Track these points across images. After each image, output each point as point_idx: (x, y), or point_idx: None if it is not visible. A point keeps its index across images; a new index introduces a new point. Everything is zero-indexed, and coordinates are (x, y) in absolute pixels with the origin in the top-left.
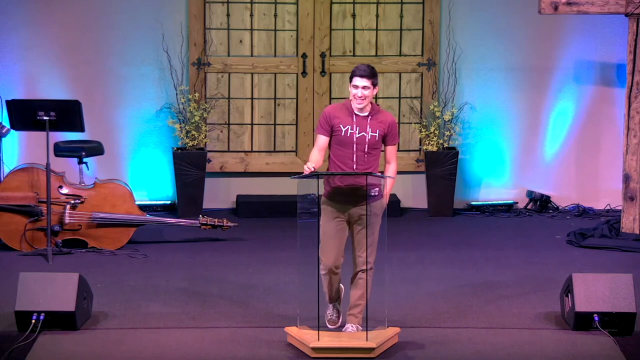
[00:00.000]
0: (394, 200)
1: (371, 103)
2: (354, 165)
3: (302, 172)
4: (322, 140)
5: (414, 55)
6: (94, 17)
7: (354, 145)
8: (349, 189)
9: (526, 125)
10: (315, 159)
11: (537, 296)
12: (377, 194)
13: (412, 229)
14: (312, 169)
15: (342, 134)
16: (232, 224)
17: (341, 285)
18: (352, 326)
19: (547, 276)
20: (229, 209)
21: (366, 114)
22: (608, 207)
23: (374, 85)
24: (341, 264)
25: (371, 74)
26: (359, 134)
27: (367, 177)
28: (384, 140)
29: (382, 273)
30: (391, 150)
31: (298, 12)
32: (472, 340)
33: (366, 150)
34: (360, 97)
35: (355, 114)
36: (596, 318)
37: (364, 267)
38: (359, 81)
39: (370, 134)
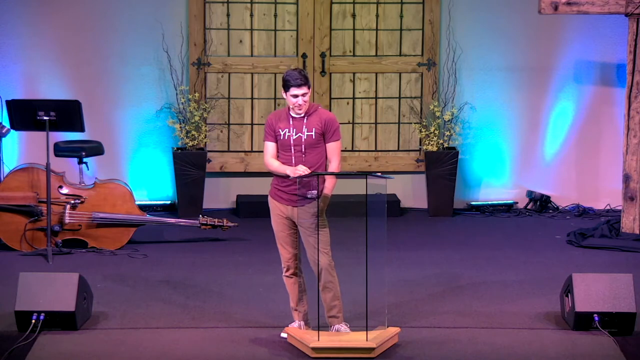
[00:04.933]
0: (394, 200)
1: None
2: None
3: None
4: (271, 146)
5: (414, 55)
6: (94, 17)
7: (292, 147)
8: (288, 191)
9: (526, 125)
10: (277, 164)
11: (537, 296)
12: (314, 196)
13: (412, 229)
14: (306, 170)
15: (282, 137)
16: (232, 224)
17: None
18: (341, 326)
19: (547, 276)
20: (229, 209)
21: (302, 115)
22: (608, 207)
23: (309, 87)
24: (294, 266)
25: (306, 80)
26: (295, 135)
27: (366, 177)
28: (324, 138)
29: (382, 273)
30: (331, 147)
31: (298, 12)
32: (472, 340)
33: (303, 150)
34: (300, 106)
35: (292, 117)
36: (596, 318)
37: (320, 271)
38: (297, 91)
39: (306, 133)
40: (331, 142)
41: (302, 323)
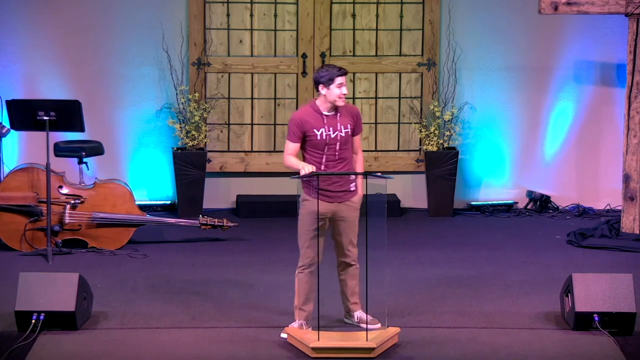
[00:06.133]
0: (394, 200)
1: None
2: (334, 164)
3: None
4: (294, 147)
5: (414, 55)
6: (94, 17)
7: (328, 146)
8: (333, 188)
9: (526, 125)
10: (294, 160)
11: (537, 296)
12: (355, 187)
13: (412, 229)
14: (312, 168)
15: (318, 137)
16: (232, 224)
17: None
18: (362, 313)
19: (547, 276)
20: (229, 209)
21: (333, 112)
22: (608, 207)
23: None
24: (316, 264)
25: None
26: (333, 134)
27: (366, 177)
28: (352, 131)
29: (382, 273)
30: (358, 139)
31: (298, 12)
32: (472, 340)
33: (338, 148)
34: (344, 95)
35: (325, 115)
36: (596, 318)
37: (352, 261)
38: (344, 79)
39: (343, 131)
40: (358, 135)
41: (304, 322)
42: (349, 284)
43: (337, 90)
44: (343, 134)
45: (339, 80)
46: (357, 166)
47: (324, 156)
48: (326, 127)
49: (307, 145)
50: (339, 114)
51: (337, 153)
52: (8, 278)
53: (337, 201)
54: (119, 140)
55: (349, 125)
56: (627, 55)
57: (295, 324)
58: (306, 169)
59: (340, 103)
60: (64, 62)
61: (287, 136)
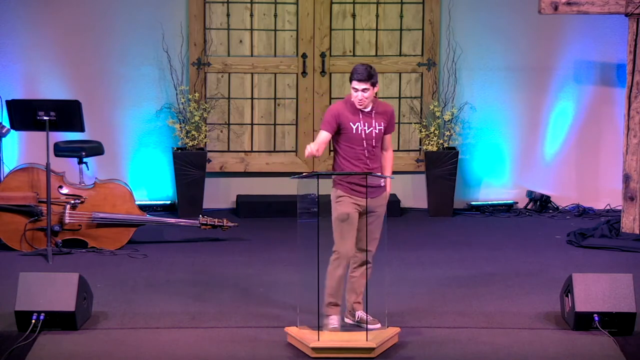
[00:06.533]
0: (394, 200)
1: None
2: (367, 161)
3: (302, 173)
4: (326, 136)
5: (414, 55)
6: (94, 17)
7: (364, 141)
8: (364, 182)
9: (526, 125)
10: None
11: (537, 296)
12: (384, 183)
13: (412, 229)
14: (315, 151)
15: (353, 131)
16: (232, 224)
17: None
18: (363, 313)
19: (547, 276)
20: (229, 209)
21: (369, 109)
22: (608, 207)
23: (374, 85)
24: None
25: (368, 76)
26: (368, 129)
27: (366, 177)
28: (385, 129)
29: (382, 273)
30: (389, 138)
31: (298, 12)
32: (472, 340)
33: (374, 144)
34: (360, 100)
35: (361, 111)
36: (596, 318)
37: (369, 259)
38: (357, 85)
39: (377, 128)
40: (389, 134)
41: (338, 317)
42: (359, 282)
43: (352, 92)
44: (377, 131)
45: (354, 84)
46: (386, 163)
47: (365, 150)
48: (362, 122)
49: (342, 140)
50: (374, 111)
51: (373, 149)
52: (8, 278)
53: (369, 196)
54: (119, 140)
55: (382, 123)
56: (627, 55)
57: (334, 322)
58: (309, 148)
59: (358, 106)
60: (64, 62)
61: (321, 125)
